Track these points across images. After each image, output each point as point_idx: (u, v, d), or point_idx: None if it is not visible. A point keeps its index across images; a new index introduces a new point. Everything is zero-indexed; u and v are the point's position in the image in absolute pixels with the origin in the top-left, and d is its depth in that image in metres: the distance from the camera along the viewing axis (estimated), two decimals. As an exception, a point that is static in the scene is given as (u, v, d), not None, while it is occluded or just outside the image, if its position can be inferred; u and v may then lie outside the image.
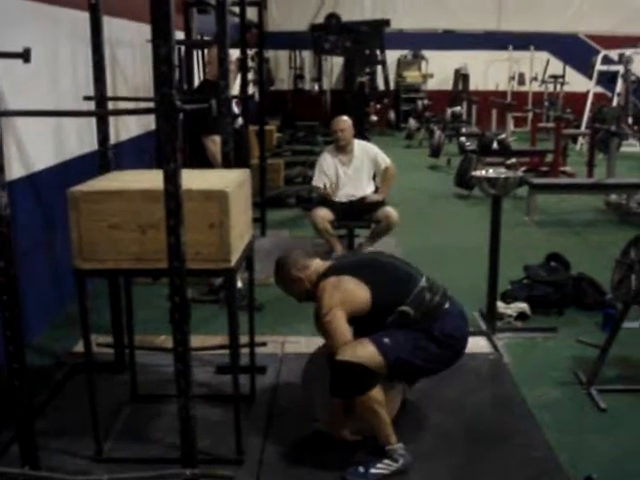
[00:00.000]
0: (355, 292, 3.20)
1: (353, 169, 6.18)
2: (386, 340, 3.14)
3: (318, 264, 3.40)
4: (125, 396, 3.79)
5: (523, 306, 5.00)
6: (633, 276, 3.86)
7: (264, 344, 4.19)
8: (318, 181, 6.20)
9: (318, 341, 3.92)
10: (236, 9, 6.34)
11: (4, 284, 2.78)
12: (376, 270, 3.36)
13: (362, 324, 3.22)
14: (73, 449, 3.32)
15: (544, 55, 17.26)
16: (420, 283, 3.28)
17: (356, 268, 3.32)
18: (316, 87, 17.14)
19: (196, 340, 3.60)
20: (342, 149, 6.17)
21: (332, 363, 3.13)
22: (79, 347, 4.06)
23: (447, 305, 3.31)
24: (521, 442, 3.43)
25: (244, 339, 3.52)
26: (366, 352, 3.11)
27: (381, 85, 16.80)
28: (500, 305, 4.90)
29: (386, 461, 3.16)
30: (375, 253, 3.40)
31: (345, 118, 6.25)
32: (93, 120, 4.03)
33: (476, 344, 4.56)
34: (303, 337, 4.54)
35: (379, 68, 16.51)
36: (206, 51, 6.99)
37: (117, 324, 4.08)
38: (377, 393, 3.14)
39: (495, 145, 10.72)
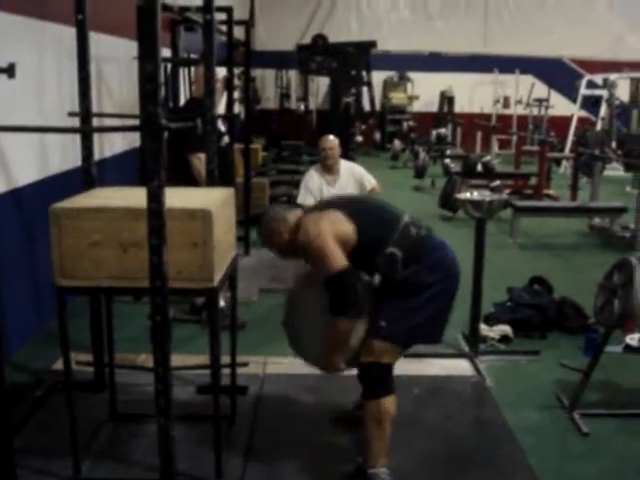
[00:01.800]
0: (338, 223, 3.12)
1: (338, 189, 6.17)
2: (381, 323, 3.10)
3: (298, 214, 3.30)
4: (105, 415, 3.75)
5: (506, 329, 5.00)
6: (616, 300, 3.86)
7: (246, 364, 4.15)
8: (303, 199, 6.18)
9: (300, 362, 3.90)
10: (223, 27, 6.35)
11: (-17, 301, 2.75)
12: (360, 207, 3.32)
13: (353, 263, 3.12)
14: (51, 468, 3.27)
15: (529, 79, 17.42)
16: (404, 219, 3.24)
17: (338, 204, 3.26)
18: (302, 107, 17.18)
19: (177, 359, 3.57)
20: (329, 168, 6.17)
21: (328, 283, 3.03)
22: (59, 365, 4.02)
23: (432, 236, 3.28)
24: (503, 466, 3.42)
25: (226, 359, 3.49)
26: (376, 347, 3.09)
27: (367, 106, 16.86)
28: (483, 328, 4.90)
29: None
30: (358, 195, 3.33)
31: (332, 137, 6.25)
32: (77, 136, 4.02)
33: (458, 367, 4.56)
34: (285, 358, 4.50)
35: (365, 89, 16.58)
36: (192, 69, 7.00)
37: (97, 342, 4.04)
38: (390, 403, 3.11)
39: (479, 167, 10.76)
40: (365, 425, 3.17)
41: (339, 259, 3.01)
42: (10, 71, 2.66)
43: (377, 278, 3.12)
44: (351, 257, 3.08)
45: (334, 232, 3.06)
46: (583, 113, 15.78)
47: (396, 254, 3.11)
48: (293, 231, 3.23)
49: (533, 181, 11.20)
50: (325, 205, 3.31)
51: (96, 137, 4.42)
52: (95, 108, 4.15)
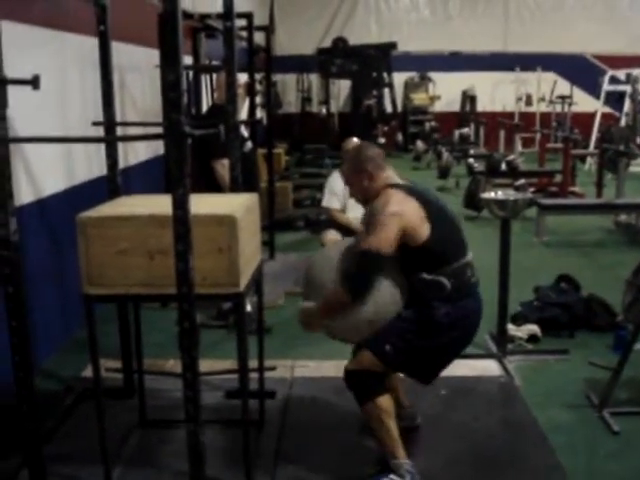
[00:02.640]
0: (416, 218, 3.08)
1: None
2: (387, 347, 3.10)
3: (390, 174, 3.31)
4: (134, 421, 3.77)
5: (534, 328, 4.97)
6: (644, 297, 3.83)
7: (273, 368, 4.17)
8: (329, 202, 6.18)
9: (328, 365, 3.91)
10: (244, 34, 6.37)
11: (13, 309, 2.78)
12: (443, 216, 3.25)
13: (401, 260, 3.13)
14: (82, 475, 3.31)
15: (551, 76, 17.31)
16: (468, 256, 3.24)
17: (427, 201, 3.20)
18: (324, 110, 17.18)
19: (205, 364, 3.58)
20: (352, 170, 6.16)
21: (361, 252, 3.06)
22: (88, 372, 4.05)
23: (477, 286, 3.29)
24: (534, 466, 3.40)
25: (253, 363, 3.50)
26: (369, 361, 3.12)
27: (388, 107, 16.85)
28: (510, 327, 4.88)
29: (392, 476, 3.14)
30: (442, 201, 3.30)
31: (356, 140, 6.24)
32: (102, 145, 4.05)
33: (487, 367, 4.54)
34: (312, 361, 4.52)
35: (386, 90, 16.57)
36: (214, 76, 7.04)
37: (126, 349, 4.07)
38: (384, 401, 3.13)
39: (503, 166, 10.70)
40: (371, 428, 3.21)
41: (386, 243, 3.01)
42: (35, 83, 2.68)
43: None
44: (405, 255, 3.09)
45: (405, 222, 3.05)
46: (607, 109, 15.65)
47: (446, 287, 3.11)
48: (375, 187, 3.24)
49: (558, 179, 11.12)
50: (414, 191, 3.22)
51: (120, 145, 4.46)
52: (119, 117, 4.19)
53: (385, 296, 3.11)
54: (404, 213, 3.06)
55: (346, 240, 3.49)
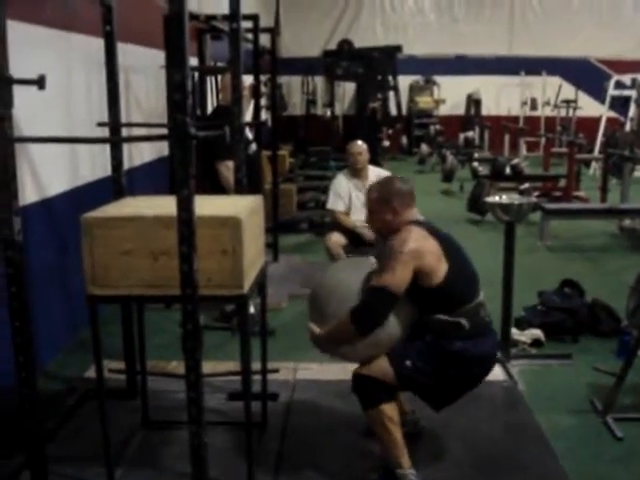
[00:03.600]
0: (434, 258, 3.08)
1: (366, 194, 6.16)
2: (407, 363, 3.10)
3: (415, 212, 3.30)
4: (137, 422, 3.77)
5: (537, 333, 4.96)
6: (649, 303, 3.82)
7: (276, 370, 4.16)
8: (333, 204, 6.18)
9: (331, 368, 3.90)
10: (249, 35, 6.37)
11: (16, 310, 2.78)
12: (460, 257, 3.25)
13: (417, 300, 3.13)
14: (84, 476, 3.30)
15: (556, 80, 17.29)
16: (480, 296, 3.24)
17: (445, 241, 3.20)
18: (328, 112, 17.18)
19: (208, 366, 3.58)
20: (357, 173, 6.15)
21: (370, 289, 3.07)
22: (91, 373, 4.06)
23: (491, 327, 3.30)
24: (536, 471, 3.39)
25: (256, 365, 3.50)
26: (381, 370, 3.10)
27: (393, 110, 16.84)
28: (514, 332, 4.86)
29: None
30: (458, 243, 3.29)
31: (360, 142, 6.24)
32: (106, 145, 4.05)
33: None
34: (315, 363, 4.51)
35: (391, 93, 16.56)
36: (219, 77, 7.04)
37: (129, 350, 4.07)
38: (389, 409, 3.12)
39: (508, 170, 10.69)
40: (376, 434, 3.20)
41: (398, 283, 3.02)
42: (40, 83, 2.68)
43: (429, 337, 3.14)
44: (421, 294, 3.10)
45: (422, 262, 3.05)
46: (612, 114, 15.63)
47: (465, 327, 3.11)
48: (396, 223, 3.23)
49: (562, 183, 11.10)
50: (433, 229, 3.23)
51: (125, 146, 4.46)
52: (124, 118, 4.19)
53: (393, 330, 3.11)
54: (422, 252, 3.06)
55: (356, 261, 3.48)
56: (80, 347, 4.70)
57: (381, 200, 3.28)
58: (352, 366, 3.25)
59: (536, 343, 4.92)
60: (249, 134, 5.83)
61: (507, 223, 4.59)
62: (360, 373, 3.17)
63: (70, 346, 4.86)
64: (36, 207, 4.45)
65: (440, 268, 3.08)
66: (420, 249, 3.06)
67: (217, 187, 5.46)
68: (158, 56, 6.16)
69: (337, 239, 5.98)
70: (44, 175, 4.55)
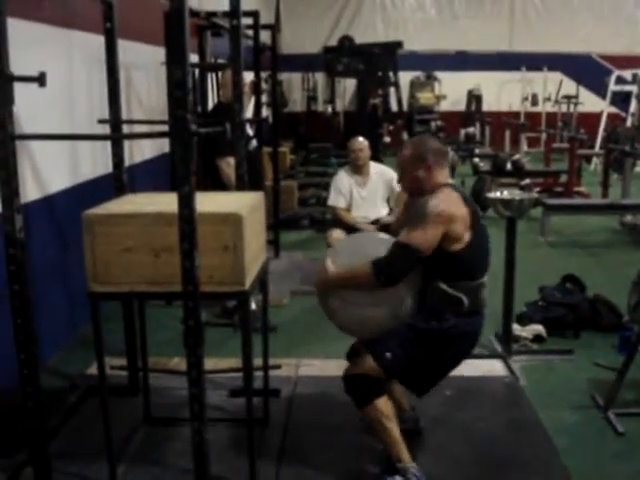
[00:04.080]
0: (463, 225, 3.06)
1: (368, 191, 6.16)
2: (388, 354, 3.09)
3: (447, 174, 3.27)
4: (139, 419, 3.78)
5: (539, 328, 4.96)
6: (650, 298, 3.83)
7: (278, 367, 4.17)
8: (334, 201, 6.18)
9: (333, 364, 3.90)
10: (250, 32, 6.37)
11: (18, 307, 2.78)
12: (483, 231, 3.24)
13: (430, 262, 3.09)
14: (87, 472, 3.31)
15: (557, 76, 17.28)
16: (485, 277, 3.23)
17: (477, 214, 3.18)
18: (329, 109, 17.15)
19: (209, 362, 3.59)
20: (359, 169, 6.15)
21: (397, 243, 3.03)
22: (93, 369, 4.06)
23: (483, 308, 3.29)
24: (538, 467, 3.39)
25: (258, 362, 3.50)
26: (368, 366, 3.11)
27: (394, 106, 16.83)
28: (516, 327, 4.87)
29: (398, 478, 3.13)
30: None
31: (362, 139, 6.24)
32: (108, 143, 4.05)
33: (492, 367, 4.53)
34: (317, 360, 4.52)
35: (392, 90, 16.54)
36: (220, 74, 7.04)
37: (131, 346, 4.07)
38: (383, 404, 3.12)
39: (509, 166, 10.69)
40: (373, 430, 3.22)
41: (426, 242, 2.99)
42: (41, 80, 2.68)
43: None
44: (438, 259, 3.07)
45: (452, 227, 3.03)
46: (613, 109, 15.62)
47: (464, 304, 3.11)
48: (429, 182, 3.18)
49: (563, 179, 11.10)
50: (466, 197, 3.19)
51: (126, 143, 4.46)
52: (124, 115, 4.19)
53: (402, 306, 3.11)
54: (455, 217, 3.04)
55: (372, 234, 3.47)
56: (81, 344, 4.70)
57: (415, 156, 3.21)
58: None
59: (537, 339, 4.92)
60: (250, 131, 5.83)
61: (508, 219, 4.59)
62: (349, 373, 3.19)
63: (71, 343, 4.87)
64: (37, 204, 4.45)
65: (465, 236, 3.07)
66: (454, 213, 3.03)
67: (218, 184, 5.46)
68: (159, 53, 6.16)
69: (338, 235, 5.97)
70: (45, 172, 4.55)
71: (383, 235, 3.33)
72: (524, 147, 14.53)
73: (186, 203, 2.28)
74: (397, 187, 6.17)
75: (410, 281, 3.09)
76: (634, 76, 14.15)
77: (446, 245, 3.05)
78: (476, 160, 12.10)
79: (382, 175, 6.21)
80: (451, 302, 3.11)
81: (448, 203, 3.06)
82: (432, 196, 3.10)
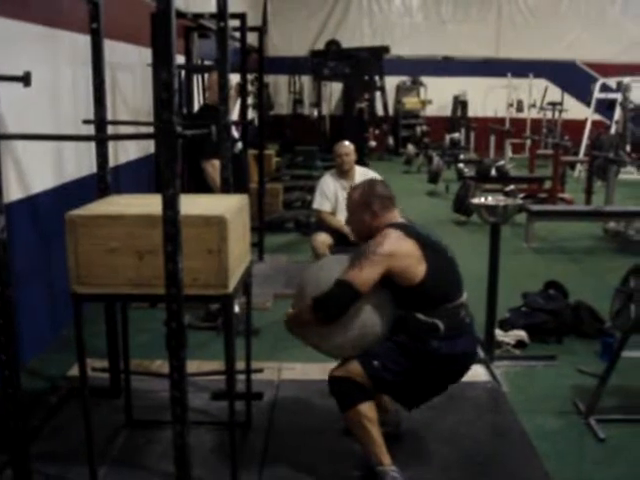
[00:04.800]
0: (410, 260, 3.13)
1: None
2: (375, 363, 3.12)
3: (395, 215, 3.35)
4: (120, 421, 3.76)
5: (521, 334, 4.98)
6: (632, 305, 3.84)
7: (261, 370, 4.15)
8: (319, 204, 6.17)
9: (315, 368, 3.89)
10: (237, 34, 6.36)
11: (0, 308, 2.76)
12: (441, 257, 3.28)
13: (397, 298, 3.19)
14: (67, 474, 3.29)
15: (542, 82, 17.39)
16: (462, 297, 3.28)
17: (425, 242, 3.22)
18: (315, 112, 17.18)
19: (192, 365, 3.58)
20: (344, 174, 6.15)
21: (336, 283, 3.11)
22: (74, 371, 4.04)
23: (472, 326, 3.34)
24: (519, 472, 3.40)
25: (240, 365, 3.49)
26: (355, 370, 3.13)
27: (380, 111, 16.87)
28: (498, 333, 4.88)
29: None
30: (439, 239, 3.34)
31: (348, 143, 6.24)
32: (92, 143, 4.03)
33: (474, 372, 4.49)
34: (300, 363, 4.51)
35: (378, 94, 16.59)
36: (206, 76, 7.02)
37: (113, 348, 4.05)
38: (367, 409, 3.13)
39: (493, 172, 10.74)
40: (354, 434, 3.23)
41: (363, 281, 3.08)
42: (26, 79, 2.67)
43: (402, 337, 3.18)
44: (401, 293, 3.15)
45: (395, 264, 3.10)
46: (597, 116, 15.70)
47: (440, 329, 3.14)
48: (375, 226, 3.29)
49: (547, 185, 11.15)
50: (412, 231, 3.26)
51: (111, 144, 4.44)
52: (110, 115, 4.17)
53: (370, 323, 3.15)
54: (396, 254, 3.11)
55: (343, 257, 3.50)
56: (63, 345, 4.67)
57: (361, 203, 3.34)
58: (334, 365, 3.26)
59: (520, 344, 4.94)
60: (235, 133, 5.82)
61: (492, 224, 4.60)
62: (335, 375, 3.20)
63: (53, 344, 4.84)
64: (20, 204, 4.42)
65: (419, 269, 3.13)
66: (394, 251, 3.12)
67: (203, 186, 5.45)
68: (145, 53, 6.15)
69: (323, 239, 5.98)
70: (29, 172, 4.53)
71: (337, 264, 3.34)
72: (509, 153, 14.60)
73: (170, 205, 2.27)
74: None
75: (376, 301, 3.15)
76: (619, 84, 14.23)
77: (403, 281, 3.14)
78: (461, 165, 12.14)
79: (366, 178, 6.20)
80: (428, 328, 3.15)
81: (387, 242, 3.14)
82: (376, 236, 3.21)
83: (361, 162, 7.23)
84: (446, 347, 3.15)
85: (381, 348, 3.16)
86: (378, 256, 3.09)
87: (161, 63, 2.20)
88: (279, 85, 18.31)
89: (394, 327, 3.20)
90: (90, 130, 3.94)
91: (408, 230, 3.24)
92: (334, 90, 17.86)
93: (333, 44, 16.84)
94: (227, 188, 4.33)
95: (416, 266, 3.13)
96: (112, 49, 4.85)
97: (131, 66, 6.67)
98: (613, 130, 13.89)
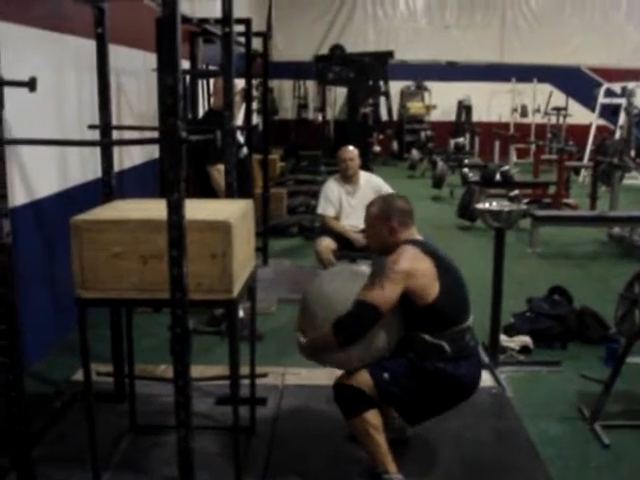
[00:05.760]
0: (426, 278, 3.09)
1: (357, 200, 6.15)
2: (385, 375, 3.12)
3: (413, 232, 3.32)
4: (124, 426, 3.75)
5: (526, 339, 4.97)
6: (637, 311, 3.84)
7: (265, 375, 4.16)
8: (323, 209, 6.17)
9: (319, 373, 3.89)
10: (242, 39, 6.37)
11: (3, 312, 2.77)
12: (454, 279, 3.25)
13: (406, 316, 3.15)
14: (71, 479, 3.28)
15: (547, 87, 17.39)
16: (469, 320, 3.26)
17: (440, 261, 3.19)
18: (319, 117, 17.19)
19: (196, 370, 3.58)
20: (348, 179, 6.15)
21: (356, 303, 3.05)
22: (79, 375, 4.04)
23: (475, 352, 3.31)
24: (524, 478, 3.40)
25: (244, 370, 3.49)
26: (362, 380, 3.11)
27: (384, 116, 16.88)
28: (503, 338, 4.87)
29: None
30: (453, 263, 3.31)
31: (352, 148, 6.24)
32: (97, 148, 4.04)
33: (478, 377, 4.52)
34: (304, 368, 4.50)
35: (382, 99, 16.59)
36: (211, 81, 7.03)
37: (117, 353, 4.05)
38: (372, 417, 3.12)
39: (498, 177, 10.73)
40: (360, 441, 3.21)
41: (386, 300, 3.04)
42: (31, 85, 2.67)
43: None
44: (406, 309, 3.12)
45: (413, 282, 3.07)
46: (602, 121, 15.71)
47: (447, 351, 3.12)
48: (393, 241, 3.25)
49: (552, 190, 11.14)
50: (429, 249, 3.22)
51: (115, 149, 4.45)
52: (115, 120, 4.17)
53: (376, 340, 3.12)
54: (414, 272, 3.08)
55: (351, 270, 3.49)
56: (68, 349, 4.67)
57: (380, 217, 3.30)
58: (339, 372, 3.25)
59: (524, 350, 4.93)
60: (240, 138, 5.83)
61: (497, 230, 4.60)
62: (341, 383, 3.18)
63: (58, 348, 4.84)
64: (25, 209, 4.43)
65: (432, 288, 3.10)
66: (412, 270, 3.08)
67: (208, 191, 5.45)
68: (150, 58, 6.16)
69: (327, 244, 5.98)
70: (34, 176, 4.53)
71: (352, 277, 3.31)
72: (513, 158, 14.59)
73: (175, 210, 2.27)
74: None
75: (384, 321, 3.11)
76: (623, 89, 14.22)
77: (416, 300, 3.10)
78: (465, 170, 12.14)
79: (371, 184, 6.21)
80: (434, 350, 3.13)
81: (407, 260, 3.10)
82: (391, 255, 3.16)
83: (365, 167, 7.22)
84: (452, 369, 3.13)
85: (393, 362, 3.15)
86: (397, 274, 3.05)
87: (166, 68, 2.20)
88: (283, 90, 18.33)
89: (400, 346, 3.18)
90: (95, 135, 3.95)
91: (425, 248, 3.20)
92: (338, 95, 17.86)
93: (337, 49, 16.84)
94: (232, 193, 4.33)
95: (431, 285, 3.10)
96: (117, 54, 4.85)
97: (136, 71, 6.68)
98: (617, 135, 13.88)
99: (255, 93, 10.73)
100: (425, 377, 3.14)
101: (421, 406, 3.24)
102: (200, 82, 7.59)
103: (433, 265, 3.13)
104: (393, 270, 3.06)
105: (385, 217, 3.28)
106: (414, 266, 3.09)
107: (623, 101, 14.03)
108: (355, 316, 3.05)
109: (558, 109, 16.47)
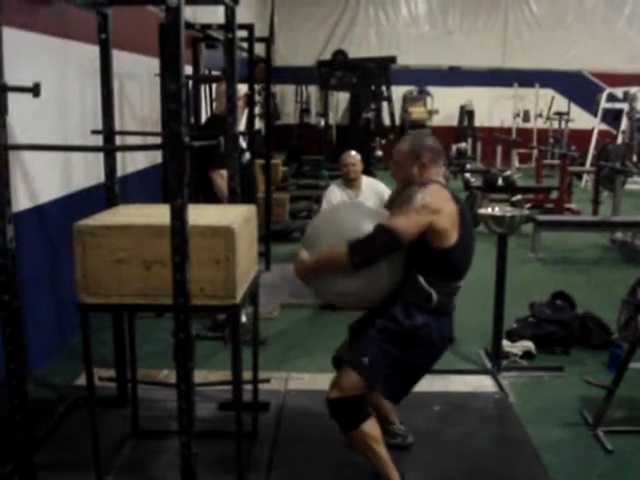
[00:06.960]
0: (450, 222, 3.03)
1: (360, 204, 6.16)
2: (365, 360, 3.06)
3: (440, 172, 3.25)
4: (127, 431, 3.75)
5: (528, 345, 4.96)
6: (639, 316, 3.83)
7: (267, 380, 4.16)
8: (326, 214, 6.16)
9: (322, 378, 3.89)
10: (244, 44, 6.39)
11: (7, 317, 2.77)
12: (470, 233, 3.19)
13: (413, 255, 3.08)
14: (73, 485, 3.29)
15: (549, 92, 17.40)
16: (462, 281, 3.22)
17: (464, 214, 3.14)
18: (322, 122, 17.19)
19: (199, 375, 3.58)
20: (351, 183, 6.16)
21: (378, 227, 2.98)
22: (81, 380, 4.04)
23: (451, 313, 3.26)
24: (526, 484, 3.39)
25: (247, 375, 3.49)
26: (349, 381, 3.08)
27: (387, 121, 16.88)
28: (505, 344, 4.87)
29: None
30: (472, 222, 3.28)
31: (354, 153, 6.24)
32: (100, 153, 4.04)
33: (481, 383, 4.53)
34: (307, 374, 4.51)
35: (385, 104, 16.60)
36: (214, 86, 7.04)
37: (120, 358, 4.05)
38: (370, 428, 3.10)
39: (500, 182, 10.72)
40: (360, 454, 3.19)
41: (409, 230, 2.96)
42: (35, 90, 2.68)
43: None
44: (420, 248, 3.04)
45: (438, 221, 2.99)
46: (604, 126, 15.69)
47: (433, 301, 3.08)
48: (421, 178, 3.18)
49: (554, 195, 11.14)
50: (457, 198, 3.17)
51: (118, 154, 4.45)
52: (118, 125, 4.18)
53: (376, 276, 3.06)
54: (441, 212, 3.01)
55: (357, 204, 3.43)
56: (71, 354, 4.68)
57: (411, 153, 3.21)
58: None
59: (527, 355, 4.92)
60: (243, 143, 5.83)
61: (499, 235, 4.60)
62: (333, 398, 3.13)
63: (61, 353, 4.84)
64: (29, 214, 4.44)
65: (452, 234, 3.04)
66: (440, 207, 3.01)
67: (211, 196, 5.46)
68: (153, 64, 6.16)
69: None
70: (37, 181, 4.54)
71: (362, 212, 3.29)
72: (515, 163, 14.59)
73: (178, 215, 2.28)
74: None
75: (392, 263, 3.06)
76: (625, 94, 14.22)
77: (433, 240, 3.03)
78: (467, 175, 12.13)
79: (374, 189, 6.21)
80: (420, 296, 3.08)
81: (436, 197, 3.05)
82: (421, 188, 3.10)
83: (368, 172, 7.23)
84: (432, 324, 3.08)
85: (368, 342, 3.09)
86: (425, 207, 2.98)
87: (169, 74, 2.21)
88: (286, 95, 18.35)
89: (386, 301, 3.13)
90: (98, 140, 3.96)
91: (453, 193, 3.16)
92: (341, 100, 17.88)
93: (340, 54, 16.85)
94: (234, 198, 4.34)
95: (451, 231, 3.04)
96: (120, 59, 4.86)
97: (139, 76, 6.69)
98: (620, 140, 13.88)
99: (257, 98, 10.74)
100: (403, 340, 3.07)
101: (404, 377, 3.17)
102: (203, 87, 7.60)
103: (457, 212, 3.08)
104: (422, 203, 2.99)
105: (416, 154, 3.19)
106: (443, 205, 3.03)
107: (625, 106, 14.04)
108: (375, 239, 2.97)
109: (560, 114, 16.47)
